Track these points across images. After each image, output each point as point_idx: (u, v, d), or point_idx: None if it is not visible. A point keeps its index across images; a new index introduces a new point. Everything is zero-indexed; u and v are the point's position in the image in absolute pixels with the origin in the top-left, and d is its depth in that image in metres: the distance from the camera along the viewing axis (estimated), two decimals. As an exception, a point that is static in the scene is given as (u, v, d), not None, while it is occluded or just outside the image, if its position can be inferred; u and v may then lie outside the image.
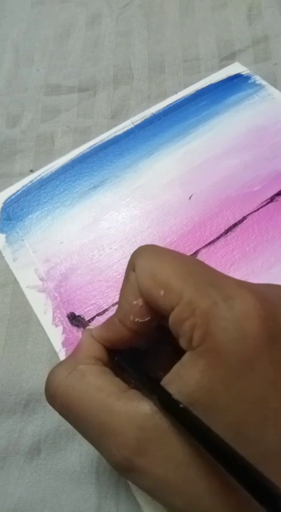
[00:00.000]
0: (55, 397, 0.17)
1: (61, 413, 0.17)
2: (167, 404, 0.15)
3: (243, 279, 0.28)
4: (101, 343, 0.19)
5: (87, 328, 0.22)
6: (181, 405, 0.14)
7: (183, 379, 0.15)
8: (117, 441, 0.15)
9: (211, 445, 0.13)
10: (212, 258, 0.29)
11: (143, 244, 0.30)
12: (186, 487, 0.14)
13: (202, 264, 0.18)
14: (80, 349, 0.19)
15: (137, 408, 0.15)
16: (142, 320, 0.17)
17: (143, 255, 0.18)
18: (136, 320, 0.17)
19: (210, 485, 0.14)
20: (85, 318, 0.28)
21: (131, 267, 0.18)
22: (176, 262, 0.17)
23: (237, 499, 0.13)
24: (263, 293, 0.16)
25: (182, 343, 0.15)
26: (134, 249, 0.19)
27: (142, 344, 0.21)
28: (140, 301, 0.17)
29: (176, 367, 0.15)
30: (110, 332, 0.19)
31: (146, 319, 0.17)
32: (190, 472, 0.14)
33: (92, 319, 0.28)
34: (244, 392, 0.14)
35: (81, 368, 0.17)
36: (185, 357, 0.15)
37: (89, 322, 0.28)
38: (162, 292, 0.16)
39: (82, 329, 0.27)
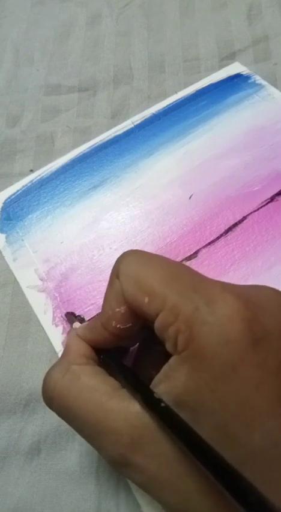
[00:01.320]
0: (52, 399, 0.18)
1: (59, 414, 0.18)
2: (150, 403, 0.15)
3: (243, 279, 0.28)
4: (86, 342, 0.19)
5: (73, 327, 0.22)
6: (162, 404, 0.15)
7: (171, 380, 0.15)
8: (112, 439, 0.16)
9: (190, 443, 0.14)
10: (212, 258, 0.29)
11: (143, 244, 0.30)
12: (177, 484, 0.15)
13: (187, 268, 0.18)
14: (70, 349, 0.19)
15: (129, 407, 0.16)
16: (123, 326, 0.18)
17: (127, 262, 0.18)
18: (118, 326, 0.18)
19: (199, 483, 0.14)
20: (85, 318, 0.28)
21: (115, 273, 0.18)
22: (160, 268, 0.17)
23: (226, 498, 0.14)
24: (247, 295, 0.16)
25: (168, 347, 0.16)
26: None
27: (127, 344, 0.21)
28: (122, 309, 0.17)
29: (165, 368, 0.16)
30: (93, 334, 0.19)
31: (128, 325, 0.18)
32: (179, 469, 0.15)
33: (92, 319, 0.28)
34: (229, 395, 0.14)
35: (75, 369, 0.18)
36: (172, 360, 0.15)
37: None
38: (146, 299, 0.16)
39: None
